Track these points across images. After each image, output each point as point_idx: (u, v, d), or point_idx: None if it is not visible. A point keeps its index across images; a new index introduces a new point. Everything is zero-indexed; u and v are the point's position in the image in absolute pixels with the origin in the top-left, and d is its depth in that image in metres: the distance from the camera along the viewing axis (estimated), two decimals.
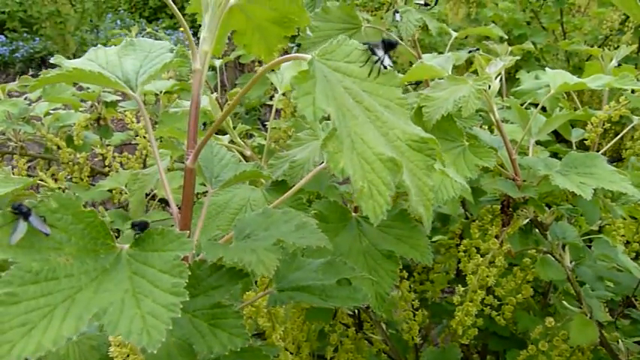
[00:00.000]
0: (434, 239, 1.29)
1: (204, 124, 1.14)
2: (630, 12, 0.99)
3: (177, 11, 0.48)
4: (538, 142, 1.10)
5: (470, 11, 3.13)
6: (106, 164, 1.45)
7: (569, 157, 0.78)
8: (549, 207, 0.97)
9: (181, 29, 4.83)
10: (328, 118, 0.38)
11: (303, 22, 0.60)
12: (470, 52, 1.54)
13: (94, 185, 1.51)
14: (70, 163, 1.46)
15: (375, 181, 0.38)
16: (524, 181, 0.84)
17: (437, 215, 1.40)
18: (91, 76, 0.50)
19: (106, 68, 0.57)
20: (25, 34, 5.88)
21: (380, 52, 0.46)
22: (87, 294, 0.37)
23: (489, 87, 0.76)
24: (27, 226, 0.39)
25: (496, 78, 0.78)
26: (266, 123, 1.43)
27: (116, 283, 0.38)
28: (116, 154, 1.47)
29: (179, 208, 0.50)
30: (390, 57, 0.46)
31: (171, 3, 0.48)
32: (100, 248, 0.41)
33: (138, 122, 1.46)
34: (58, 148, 1.47)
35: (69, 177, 1.46)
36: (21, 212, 0.38)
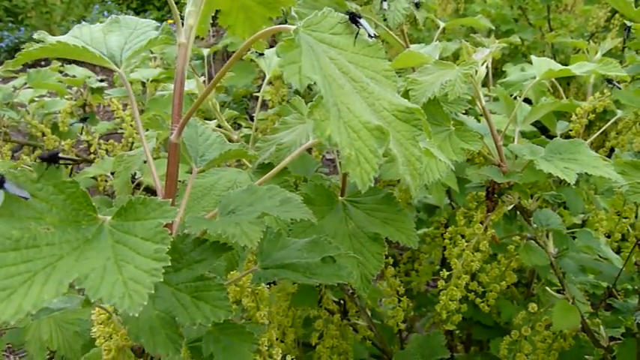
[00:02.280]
0: (419, 232, 1.30)
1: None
2: (618, 7, 1.01)
3: None
4: (523, 135, 1.11)
5: (458, 7, 3.14)
6: (92, 151, 1.43)
7: (554, 143, 0.79)
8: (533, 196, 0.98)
9: (169, 21, 4.80)
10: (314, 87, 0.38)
11: (289, 3, 0.60)
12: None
13: (78, 172, 1.50)
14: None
15: (362, 148, 0.38)
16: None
17: (423, 206, 1.41)
18: (75, 51, 0.50)
19: (91, 44, 0.56)
20: (10, 24, 5.80)
21: (364, 23, 0.46)
22: (68, 261, 0.36)
23: (476, 72, 0.76)
24: (4, 195, 0.38)
25: (482, 64, 0.78)
26: (253, 115, 1.43)
27: (98, 252, 0.37)
28: (101, 142, 1.46)
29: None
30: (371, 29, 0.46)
31: None
32: (82, 219, 0.41)
33: (124, 110, 1.45)
34: (43, 135, 1.45)
35: None
36: None
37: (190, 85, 0.86)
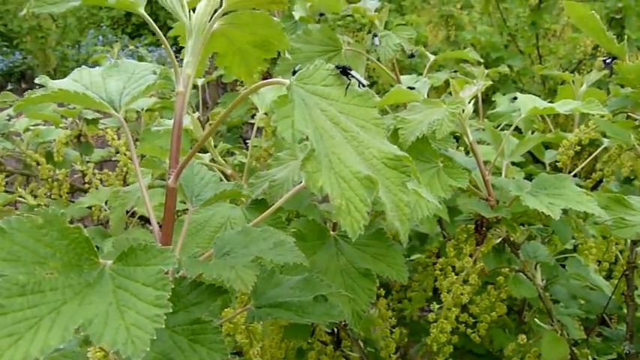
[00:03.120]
0: (412, 258, 1.32)
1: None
2: (600, 41, 1.04)
3: (159, 31, 0.50)
4: (513, 163, 1.14)
5: (449, 34, 3.20)
6: (86, 181, 1.45)
7: (540, 178, 0.81)
8: (524, 226, 1.00)
9: (163, 46, 4.84)
10: (307, 140, 0.40)
11: (283, 46, 0.63)
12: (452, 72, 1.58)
13: (73, 202, 1.51)
14: (50, 179, 1.46)
15: (352, 198, 0.39)
16: (497, 201, 0.87)
17: (415, 234, 1.42)
18: (76, 97, 0.52)
19: (90, 89, 0.58)
20: (4, 48, 5.84)
21: (355, 74, 0.48)
22: (72, 306, 0.38)
23: (463, 110, 0.79)
24: (9, 239, 0.40)
25: (470, 102, 0.81)
26: (248, 140, 1.45)
27: (100, 297, 0.39)
28: (96, 171, 1.47)
29: (160, 226, 0.51)
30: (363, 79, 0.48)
31: (153, 23, 0.50)
32: (84, 263, 0.42)
33: (119, 139, 1.47)
34: (38, 164, 1.47)
35: (48, 193, 1.46)
36: None
37: (185, 121, 0.88)
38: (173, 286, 0.43)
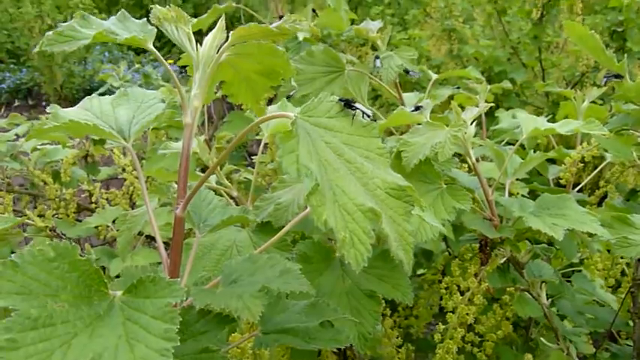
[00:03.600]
0: (418, 272, 1.32)
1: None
2: (599, 60, 1.05)
3: (167, 64, 0.51)
4: (518, 178, 1.14)
5: (452, 47, 3.21)
6: (93, 201, 1.46)
7: (543, 198, 0.82)
8: (530, 242, 1.00)
9: (169, 61, 4.89)
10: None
11: (288, 74, 0.64)
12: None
13: (80, 221, 1.52)
14: (57, 199, 1.47)
15: (356, 230, 0.40)
16: (501, 219, 0.88)
17: (421, 251, 1.43)
18: (87, 128, 0.53)
19: (101, 118, 0.60)
20: (12, 65, 5.90)
21: (359, 106, 0.49)
22: (82, 339, 0.39)
23: (466, 132, 0.80)
24: (23, 273, 0.41)
25: (472, 123, 0.82)
26: (253, 157, 1.45)
27: (110, 329, 0.40)
28: (103, 191, 1.49)
29: (167, 252, 0.52)
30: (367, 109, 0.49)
31: (160, 56, 0.52)
32: (95, 295, 0.43)
33: (125, 157, 1.49)
34: (45, 184, 1.48)
35: (55, 213, 1.48)
36: None
37: (192, 145, 0.90)
38: (181, 315, 0.44)
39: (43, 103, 5.62)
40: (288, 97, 1.08)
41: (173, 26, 0.51)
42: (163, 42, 6.20)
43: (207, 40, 0.52)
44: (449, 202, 0.75)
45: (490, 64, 3.10)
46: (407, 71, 1.03)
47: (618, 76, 1.03)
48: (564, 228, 0.73)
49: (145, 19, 0.54)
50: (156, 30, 0.53)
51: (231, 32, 0.51)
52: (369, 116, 0.50)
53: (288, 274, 0.51)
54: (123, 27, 0.52)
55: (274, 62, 0.62)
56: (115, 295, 0.44)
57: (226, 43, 0.52)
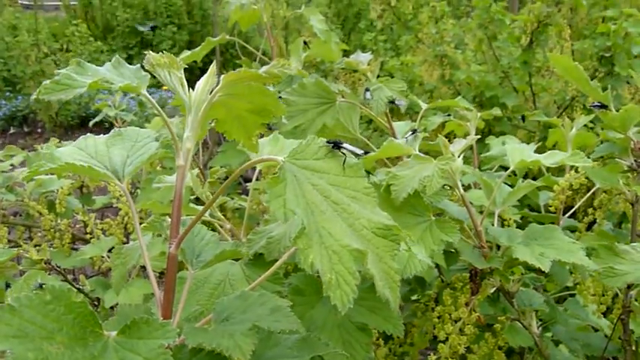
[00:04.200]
0: (413, 298, 1.33)
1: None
2: (584, 90, 1.08)
3: (163, 112, 0.53)
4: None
5: (444, 73, 3.26)
6: (88, 231, 1.47)
7: (530, 228, 0.83)
8: (523, 268, 1.01)
9: (164, 87, 4.93)
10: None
11: (279, 112, 0.66)
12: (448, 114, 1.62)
13: (75, 250, 1.53)
14: (52, 229, 1.48)
15: (342, 271, 0.42)
16: (491, 247, 0.89)
17: (414, 278, 1.44)
18: (82, 170, 0.54)
19: (95, 158, 0.61)
20: (7, 93, 5.93)
21: (347, 146, 0.51)
22: None
23: (453, 165, 0.82)
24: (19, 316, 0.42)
25: (459, 155, 0.84)
26: (247, 183, 1.47)
27: None
28: (98, 221, 1.49)
29: (161, 289, 0.53)
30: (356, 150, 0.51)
31: (156, 104, 0.53)
32: (89, 336, 0.44)
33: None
34: (40, 214, 1.49)
35: (50, 244, 1.48)
36: None
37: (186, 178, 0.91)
38: (174, 354, 0.45)
39: (39, 130, 5.64)
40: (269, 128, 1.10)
41: (166, 71, 0.53)
42: None
43: (199, 84, 0.54)
44: (437, 234, 0.76)
45: (482, 89, 3.15)
46: (392, 101, 1.06)
47: (603, 106, 1.06)
48: (551, 258, 0.75)
49: (139, 65, 0.56)
50: (149, 76, 0.55)
51: (222, 77, 0.53)
52: (357, 155, 0.51)
53: (279, 311, 0.52)
54: (117, 73, 0.54)
55: (265, 101, 0.64)
56: (110, 335, 0.45)
57: (217, 87, 0.54)
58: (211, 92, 0.55)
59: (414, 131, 0.84)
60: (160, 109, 0.54)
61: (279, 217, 0.41)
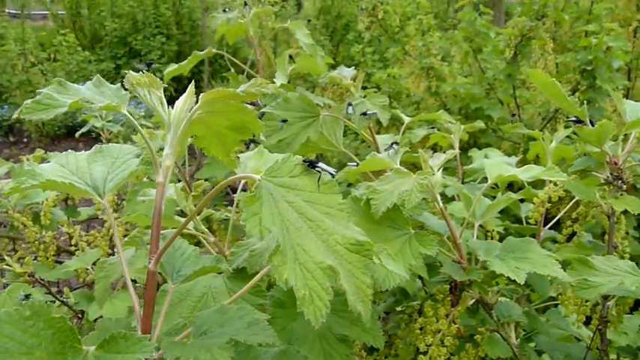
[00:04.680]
0: (398, 309, 1.34)
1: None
2: (562, 105, 1.10)
3: (144, 133, 0.54)
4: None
5: (430, 85, 3.30)
6: (73, 244, 1.47)
7: (507, 242, 0.85)
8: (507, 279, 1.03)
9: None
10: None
11: (257, 130, 0.67)
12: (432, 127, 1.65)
13: (60, 263, 1.53)
14: (36, 242, 1.48)
15: (315, 287, 0.43)
16: (469, 260, 0.91)
17: (399, 289, 1.45)
18: (63, 187, 0.55)
19: (76, 174, 0.62)
20: None
21: (322, 166, 0.52)
22: None
23: (433, 179, 0.83)
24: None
25: (439, 170, 0.85)
26: (234, 195, 1.48)
27: None
28: (82, 233, 1.49)
29: (141, 305, 0.54)
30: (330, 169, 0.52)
31: (136, 123, 0.55)
32: (69, 351, 0.45)
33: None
34: (25, 226, 1.49)
35: (34, 255, 1.48)
36: None
37: (169, 191, 0.92)
38: None
39: (25, 140, 5.62)
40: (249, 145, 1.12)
41: (146, 90, 0.54)
42: None
43: (178, 103, 0.55)
44: (416, 247, 0.78)
45: (467, 101, 3.18)
46: (364, 113, 1.07)
47: (579, 121, 1.08)
48: (526, 271, 0.77)
49: (120, 84, 0.57)
50: (129, 95, 0.56)
51: (201, 95, 0.54)
52: (332, 175, 0.53)
53: (256, 325, 0.54)
54: (98, 92, 0.56)
55: (243, 119, 0.65)
56: (89, 350, 0.46)
57: (196, 106, 0.55)
58: (191, 110, 0.56)
59: (393, 144, 0.86)
60: (140, 128, 0.55)
61: (255, 235, 0.42)
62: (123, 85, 0.55)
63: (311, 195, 0.50)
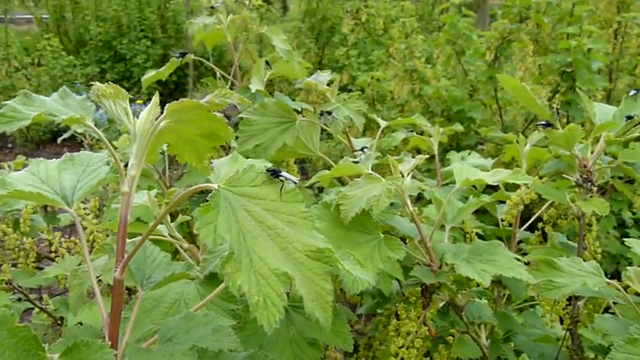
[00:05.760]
0: (378, 311, 1.36)
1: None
2: (532, 109, 1.13)
3: (110, 144, 0.55)
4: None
5: (414, 88, 3.32)
6: (53, 250, 1.47)
7: (475, 245, 0.87)
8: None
9: (138, 102, 4.92)
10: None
11: (228, 137, 0.68)
12: (411, 131, 1.67)
13: (40, 269, 1.53)
14: (16, 249, 1.48)
15: (269, 294, 0.44)
16: (441, 265, 0.93)
17: (377, 292, 1.47)
18: (31, 196, 0.56)
19: (46, 182, 0.63)
20: None
21: (285, 175, 0.54)
22: None
23: (402, 184, 0.85)
24: None
25: (408, 175, 0.87)
26: None
27: None
28: (62, 240, 1.50)
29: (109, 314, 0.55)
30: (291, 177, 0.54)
31: (102, 136, 0.56)
32: (32, 359, 0.46)
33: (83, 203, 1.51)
34: (5, 234, 1.49)
35: (14, 262, 1.48)
36: None
37: (143, 198, 0.93)
38: None
39: (9, 145, 5.58)
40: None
41: (111, 101, 0.55)
42: (132, 82, 6.26)
43: (143, 114, 0.56)
44: (385, 252, 0.79)
45: (449, 103, 3.21)
46: (329, 112, 1.09)
47: (549, 124, 1.10)
48: (492, 274, 0.78)
49: (86, 95, 0.58)
50: (94, 107, 0.57)
51: (166, 106, 0.55)
52: (295, 183, 0.54)
53: (220, 331, 0.55)
54: (63, 104, 0.57)
55: (213, 126, 0.66)
56: (52, 358, 0.47)
57: (161, 116, 0.56)
58: (156, 120, 0.57)
59: (364, 149, 0.87)
60: (104, 138, 0.56)
61: (209, 244, 0.44)
62: (89, 97, 0.57)
63: (272, 204, 0.51)
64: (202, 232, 0.44)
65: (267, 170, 0.53)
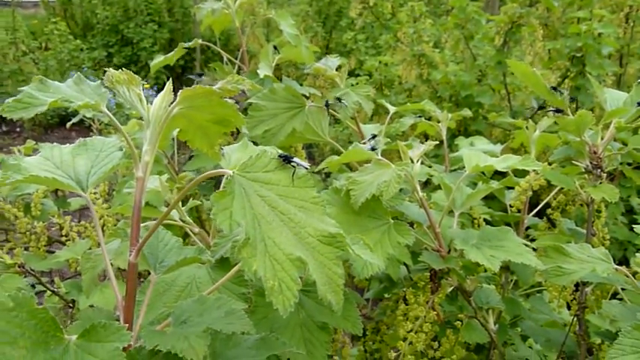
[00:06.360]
0: (386, 296, 1.37)
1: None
2: (542, 95, 1.12)
3: (121, 127, 0.56)
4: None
5: (422, 72, 3.30)
6: (63, 234, 1.49)
7: (484, 231, 0.87)
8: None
9: (146, 86, 4.93)
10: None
11: (239, 123, 0.69)
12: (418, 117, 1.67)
13: (51, 252, 1.55)
14: (27, 232, 1.50)
15: (284, 278, 0.45)
16: (449, 250, 0.93)
17: (385, 276, 1.48)
18: (46, 181, 0.57)
19: (60, 167, 0.64)
20: None
21: (296, 160, 0.54)
22: None
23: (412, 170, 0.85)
24: None
25: (418, 161, 0.87)
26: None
27: None
28: (73, 224, 1.51)
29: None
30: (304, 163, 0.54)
31: (116, 121, 0.56)
32: (51, 340, 0.47)
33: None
34: (16, 217, 1.51)
35: (26, 245, 1.50)
36: None
37: (155, 183, 0.94)
38: (133, 356, 0.48)
39: (18, 129, 5.60)
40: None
41: (125, 88, 0.55)
42: (140, 66, 6.25)
43: (157, 101, 0.56)
44: (394, 237, 0.80)
45: (457, 88, 3.19)
46: (339, 99, 1.09)
47: (559, 110, 1.10)
48: (501, 259, 0.79)
49: (100, 81, 0.58)
50: (109, 93, 0.58)
51: (179, 93, 0.56)
52: (306, 168, 0.55)
53: (233, 314, 0.56)
54: (78, 90, 0.57)
55: (225, 113, 0.67)
56: (70, 339, 0.48)
57: (174, 102, 0.57)
58: (170, 106, 0.57)
59: (374, 136, 0.87)
60: (119, 125, 0.57)
61: (225, 229, 0.44)
62: (103, 83, 0.57)
63: (285, 189, 0.52)
64: (219, 218, 0.45)
65: (279, 156, 0.53)
